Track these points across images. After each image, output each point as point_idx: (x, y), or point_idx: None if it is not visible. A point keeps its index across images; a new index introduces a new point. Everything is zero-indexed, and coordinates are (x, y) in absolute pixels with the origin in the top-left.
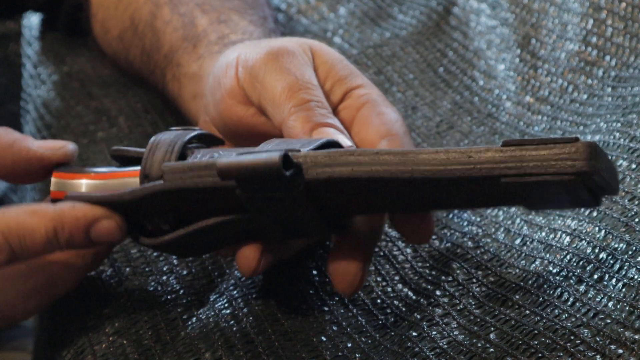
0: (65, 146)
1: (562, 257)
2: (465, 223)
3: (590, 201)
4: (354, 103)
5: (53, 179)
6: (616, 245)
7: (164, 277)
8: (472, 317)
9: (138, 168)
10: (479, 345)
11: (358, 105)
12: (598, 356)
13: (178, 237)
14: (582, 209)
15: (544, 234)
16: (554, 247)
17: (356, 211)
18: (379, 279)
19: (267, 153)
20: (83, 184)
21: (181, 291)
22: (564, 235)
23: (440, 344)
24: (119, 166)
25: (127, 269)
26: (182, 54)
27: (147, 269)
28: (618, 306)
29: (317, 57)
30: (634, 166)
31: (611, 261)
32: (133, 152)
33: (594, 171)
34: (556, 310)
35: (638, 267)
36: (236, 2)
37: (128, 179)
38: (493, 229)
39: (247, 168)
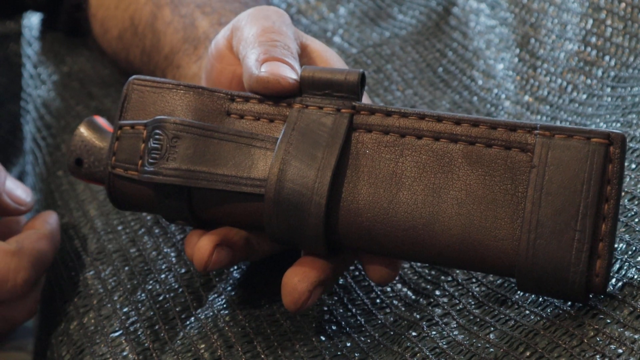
0: (29, 204)
1: None
2: None
3: None
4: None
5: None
6: (616, 245)
7: (163, 276)
8: (471, 317)
9: None
10: (479, 345)
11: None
12: (598, 356)
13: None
14: None
15: None
16: None
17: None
18: None
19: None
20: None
21: (180, 290)
22: None
23: (440, 344)
24: None
25: (126, 269)
26: (182, 56)
27: (145, 268)
28: (618, 306)
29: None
30: (633, 166)
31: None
32: None
33: (621, 141)
34: (556, 310)
35: (638, 267)
36: (236, 4)
37: None
38: None
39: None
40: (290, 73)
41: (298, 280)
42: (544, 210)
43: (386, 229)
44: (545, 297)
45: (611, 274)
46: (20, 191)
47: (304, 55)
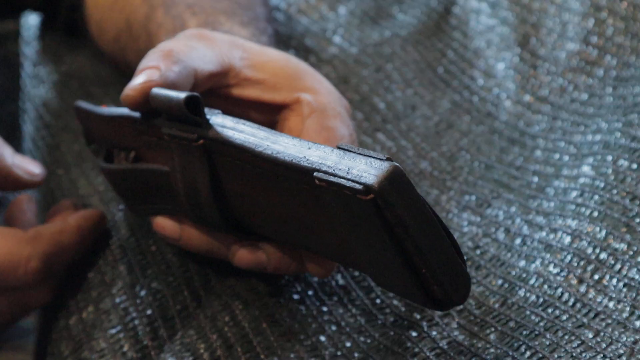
0: (40, 175)
1: (562, 257)
2: (466, 223)
3: (413, 276)
4: (303, 110)
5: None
6: (617, 246)
7: (162, 275)
8: (472, 318)
9: None
10: (479, 345)
11: (306, 113)
12: (599, 357)
13: (120, 169)
14: (583, 210)
15: (544, 233)
16: (554, 247)
17: (243, 216)
18: None
19: (182, 92)
20: None
21: (179, 290)
22: (564, 235)
23: (440, 344)
24: None
25: (125, 266)
26: None
27: (145, 266)
28: (619, 306)
29: (259, 55)
30: (634, 166)
31: (612, 261)
32: None
33: (381, 190)
34: (557, 311)
35: (639, 267)
36: (226, 3)
37: None
38: (493, 229)
39: (163, 99)
40: (137, 80)
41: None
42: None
43: (269, 234)
44: (545, 297)
45: (612, 274)
46: (29, 164)
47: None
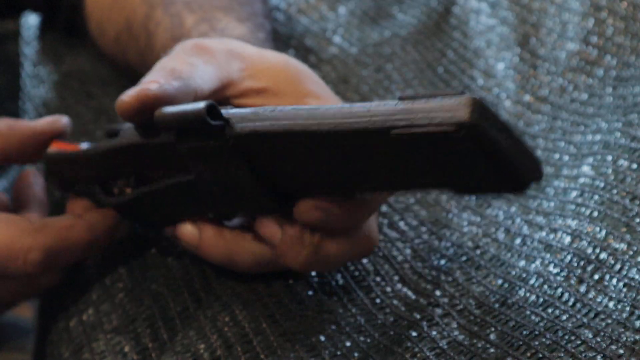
0: (60, 119)
1: (562, 257)
2: (465, 223)
3: (506, 180)
4: None
5: (51, 149)
6: (617, 246)
7: (163, 277)
8: (472, 318)
9: None
10: (479, 345)
11: None
12: (599, 357)
13: (134, 197)
14: (583, 210)
15: (544, 233)
16: (554, 247)
17: (291, 185)
18: (378, 279)
19: (195, 103)
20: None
21: (179, 291)
22: (564, 235)
23: (440, 344)
24: None
25: (125, 268)
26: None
27: (145, 270)
28: (619, 306)
29: (258, 63)
30: (634, 166)
31: (612, 261)
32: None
33: (474, 123)
34: (557, 311)
35: (639, 267)
36: (224, 0)
37: None
38: (493, 229)
39: (176, 115)
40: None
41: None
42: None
43: None
44: (545, 297)
45: (612, 274)
46: (48, 118)
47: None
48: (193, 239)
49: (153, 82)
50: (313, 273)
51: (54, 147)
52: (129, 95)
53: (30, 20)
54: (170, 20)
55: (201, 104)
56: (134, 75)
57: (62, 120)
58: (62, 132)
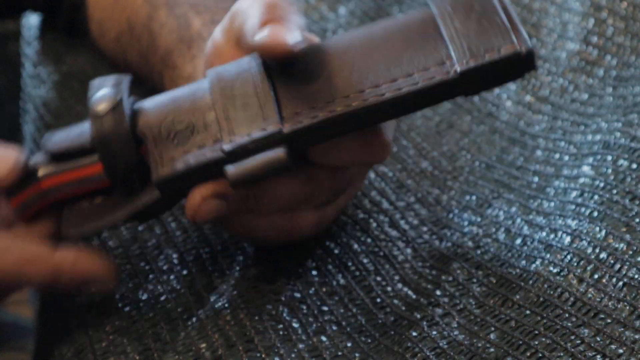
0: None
1: (562, 257)
2: (466, 223)
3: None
4: None
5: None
6: (617, 245)
7: (164, 277)
8: (472, 317)
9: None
10: (479, 345)
11: None
12: (598, 356)
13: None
14: (583, 210)
15: (544, 233)
16: (554, 247)
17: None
18: (378, 278)
19: (272, 152)
20: None
21: (181, 291)
22: (564, 235)
23: (441, 344)
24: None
25: (127, 267)
26: (177, 56)
27: (147, 268)
28: (618, 306)
29: None
30: (634, 166)
31: (611, 261)
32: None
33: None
34: (556, 310)
35: (638, 267)
36: (230, 2)
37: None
38: (493, 229)
39: (257, 172)
40: (291, 37)
41: (196, 190)
42: (459, 23)
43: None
44: (545, 297)
45: (611, 274)
46: None
47: None
48: (220, 207)
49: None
50: (314, 272)
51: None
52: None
53: (31, 21)
54: (176, 21)
55: (280, 151)
56: (134, 76)
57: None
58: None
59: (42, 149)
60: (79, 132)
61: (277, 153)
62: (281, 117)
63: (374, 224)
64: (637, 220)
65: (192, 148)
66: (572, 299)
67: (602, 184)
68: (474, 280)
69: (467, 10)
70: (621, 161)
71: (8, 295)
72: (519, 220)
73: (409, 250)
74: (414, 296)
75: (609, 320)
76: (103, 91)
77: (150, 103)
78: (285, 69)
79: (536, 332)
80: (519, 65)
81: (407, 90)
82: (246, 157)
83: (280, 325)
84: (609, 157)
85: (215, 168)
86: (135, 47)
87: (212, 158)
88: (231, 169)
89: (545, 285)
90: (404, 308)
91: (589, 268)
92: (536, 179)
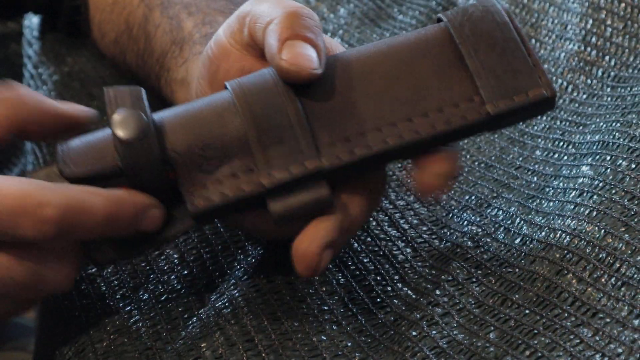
0: (90, 112)
1: (561, 256)
2: (465, 223)
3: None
4: None
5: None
6: (616, 245)
7: (165, 277)
8: (471, 317)
9: None
10: (479, 344)
11: None
12: (597, 356)
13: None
14: (582, 209)
15: (543, 233)
16: (553, 247)
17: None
18: (378, 278)
19: (313, 190)
20: None
21: (182, 290)
22: (563, 234)
23: (440, 344)
24: None
25: (128, 267)
26: (170, 58)
27: (147, 268)
28: (617, 305)
29: None
30: (633, 166)
31: (610, 260)
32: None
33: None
34: (556, 310)
35: (637, 266)
36: (222, 3)
37: None
38: (493, 229)
39: (302, 209)
40: (312, 61)
41: (307, 244)
42: (484, 56)
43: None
44: (544, 297)
45: (610, 273)
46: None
47: None
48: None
49: None
50: None
51: None
52: None
53: (33, 21)
54: (169, 22)
55: (324, 192)
56: (132, 77)
57: (90, 114)
58: (86, 125)
59: (60, 164)
60: (99, 150)
61: (321, 191)
62: (317, 150)
63: (374, 223)
64: (636, 220)
65: (224, 178)
66: (571, 298)
67: (601, 184)
68: (474, 279)
69: (489, 40)
70: (620, 161)
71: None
72: (518, 219)
73: (408, 250)
74: (413, 296)
75: (608, 320)
76: (125, 112)
77: (174, 122)
78: (312, 88)
79: (535, 331)
80: (543, 107)
81: (441, 129)
82: (284, 191)
83: (281, 325)
84: (608, 157)
85: (252, 201)
86: (133, 49)
87: (251, 193)
88: (277, 207)
89: (545, 285)
90: (403, 307)
91: (588, 268)
92: (535, 178)
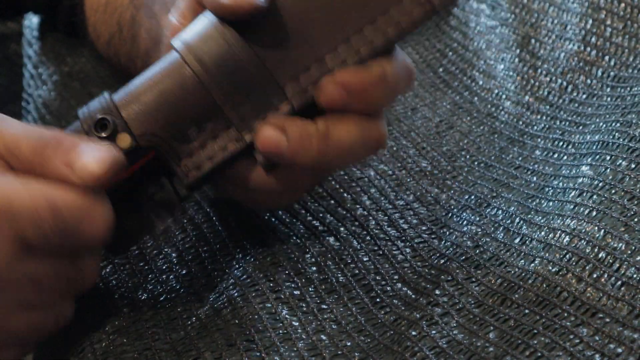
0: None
1: (561, 256)
2: (465, 222)
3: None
4: None
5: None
6: (615, 245)
7: (164, 277)
8: (471, 317)
9: None
10: (479, 344)
11: None
12: (597, 355)
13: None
14: (582, 209)
15: (543, 233)
16: (553, 247)
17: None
18: (378, 277)
19: None
20: None
21: (181, 290)
22: (563, 234)
23: (440, 343)
24: None
25: (127, 267)
26: (153, 59)
27: (146, 268)
28: (617, 305)
29: None
30: (633, 166)
31: (610, 260)
32: None
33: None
34: (555, 310)
35: (637, 266)
36: None
37: None
38: (492, 228)
39: None
40: None
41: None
42: None
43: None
44: (544, 296)
45: (610, 273)
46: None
47: None
48: (280, 142)
49: None
50: (313, 268)
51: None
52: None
53: (33, 21)
54: (149, 22)
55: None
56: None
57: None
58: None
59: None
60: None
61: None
62: (283, 91)
63: (373, 222)
64: (636, 219)
65: (207, 142)
66: (570, 298)
67: (600, 184)
68: (473, 279)
69: None
70: (620, 161)
71: None
72: (517, 219)
73: (408, 250)
74: (413, 295)
75: (607, 320)
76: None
77: (138, 104)
78: (257, 27)
79: (535, 331)
80: None
81: (393, 34)
82: None
83: (280, 324)
84: (608, 157)
85: (238, 156)
86: (124, 49)
87: (236, 150)
88: (261, 157)
89: (544, 285)
90: (403, 307)
91: (587, 267)
92: (535, 178)
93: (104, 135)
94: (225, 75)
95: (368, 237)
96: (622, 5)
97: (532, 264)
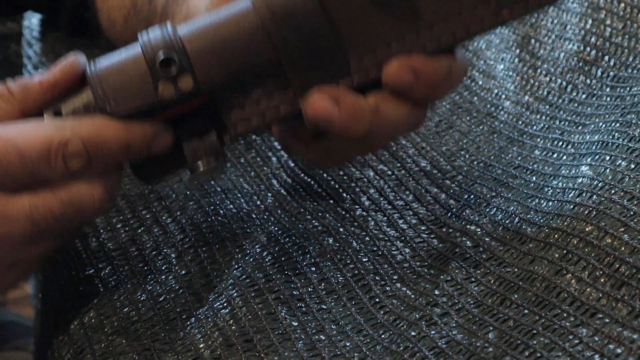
0: (71, 63)
1: (560, 256)
2: (464, 222)
3: None
4: None
5: None
6: (615, 245)
7: (163, 277)
8: (470, 317)
9: None
10: (478, 344)
11: None
12: (597, 356)
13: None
14: (581, 209)
15: (542, 233)
16: (553, 247)
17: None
18: (377, 278)
19: None
20: None
21: (180, 291)
22: (563, 234)
23: (439, 344)
24: None
25: (126, 268)
26: (173, 6)
27: (145, 268)
28: (617, 305)
29: None
30: (632, 166)
31: (610, 261)
32: None
33: None
34: (555, 310)
35: (636, 266)
36: None
37: None
38: (492, 228)
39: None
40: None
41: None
42: None
43: None
44: (544, 296)
45: (609, 273)
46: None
47: None
48: (331, 111)
49: None
50: (312, 268)
51: None
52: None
53: (33, 21)
54: None
55: None
56: None
57: (74, 63)
58: (77, 74)
59: (99, 100)
60: (139, 86)
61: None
62: (349, 67)
63: (372, 223)
64: (635, 220)
65: (261, 98)
66: (570, 298)
67: (600, 184)
68: (473, 279)
69: None
70: (619, 161)
71: None
72: (517, 219)
73: (407, 250)
74: (412, 296)
75: (607, 320)
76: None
77: (204, 49)
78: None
79: (534, 331)
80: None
81: (461, 36)
82: None
83: (279, 325)
84: (607, 157)
85: (289, 118)
86: (140, 21)
87: (287, 113)
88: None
89: (544, 285)
90: (402, 307)
91: (587, 268)
92: (534, 178)
93: (167, 75)
94: (295, 33)
95: (367, 238)
96: (622, 5)
97: (532, 264)
